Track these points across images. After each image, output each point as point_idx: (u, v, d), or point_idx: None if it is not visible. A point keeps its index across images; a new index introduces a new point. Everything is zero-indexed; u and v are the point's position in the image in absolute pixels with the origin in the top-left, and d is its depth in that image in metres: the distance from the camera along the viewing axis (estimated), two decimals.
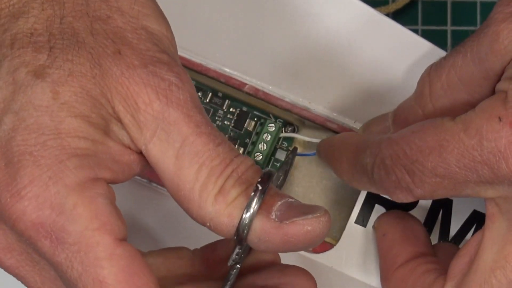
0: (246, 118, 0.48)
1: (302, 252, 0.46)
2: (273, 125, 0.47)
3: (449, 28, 0.60)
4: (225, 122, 0.48)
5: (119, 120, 0.36)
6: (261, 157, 0.47)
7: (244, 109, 0.48)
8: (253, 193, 0.36)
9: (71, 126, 0.35)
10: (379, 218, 0.46)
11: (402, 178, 0.39)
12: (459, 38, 0.60)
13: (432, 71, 0.41)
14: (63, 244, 0.34)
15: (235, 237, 0.36)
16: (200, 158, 0.36)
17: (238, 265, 0.39)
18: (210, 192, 0.36)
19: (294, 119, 0.48)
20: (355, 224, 0.47)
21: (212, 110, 0.48)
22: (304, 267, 0.47)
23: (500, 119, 0.36)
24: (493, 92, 0.38)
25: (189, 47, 0.47)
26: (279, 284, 0.40)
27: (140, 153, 0.36)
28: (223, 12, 0.47)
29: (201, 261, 0.41)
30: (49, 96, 0.35)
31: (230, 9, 0.48)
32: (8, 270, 0.37)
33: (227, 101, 0.48)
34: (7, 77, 0.35)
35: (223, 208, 0.36)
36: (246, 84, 0.47)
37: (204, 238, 0.46)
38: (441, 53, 0.47)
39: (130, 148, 0.36)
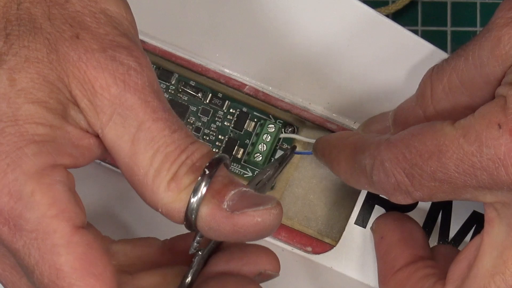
0: (246, 119, 0.48)
1: (302, 253, 0.46)
2: (273, 126, 0.47)
3: (449, 29, 0.60)
4: (225, 123, 0.48)
5: (76, 104, 0.36)
6: (261, 157, 0.47)
7: (244, 110, 0.48)
8: (200, 178, 0.36)
9: (28, 113, 0.35)
10: (376, 220, 0.46)
11: (401, 181, 0.39)
12: (459, 39, 0.60)
13: (434, 74, 0.41)
14: (20, 231, 0.34)
15: (184, 223, 0.36)
16: (156, 144, 0.36)
17: (200, 252, 0.39)
18: (163, 178, 0.36)
19: (294, 120, 0.48)
20: (355, 225, 0.47)
21: (212, 111, 0.48)
22: (303, 268, 0.47)
23: (499, 126, 0.36)
24: (494, 96, 0.38)
25: (189, 48, 0.47)
26: (242, 265, 0.40)
27: (98, 136, 0.37)
28: (223, 13, 0.47)
29: (170, 250, 0.42)
30: (5, 84, 0.35)
31: (230, 10, 0.48)
32: None
33: (227, 102, 0.48)
34: None
35: (175, 195, 0.36)
36: (246, 85, 0.47)
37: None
38: (441, 54, 0.47)
39: (88, 132, 0.36)
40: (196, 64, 0.47)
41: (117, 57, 0.36)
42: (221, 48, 0.47)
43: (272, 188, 0.48)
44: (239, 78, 0.47)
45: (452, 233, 0.47)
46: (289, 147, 0.48)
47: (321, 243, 0.47)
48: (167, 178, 0.36)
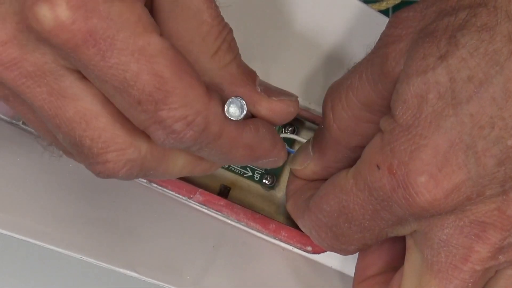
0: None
1: (302, 252, 0.47)
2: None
3: None
4: None
5: None
6: None
7: None
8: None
9: None
10: None
11: (332, 243, 0.40)
12: None
13: (334, 92, 0.41)
14: (112, 50, 0.33)
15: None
16: (203, 14, 0.37)
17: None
18: (209, 49, 0.37)
19: (293, 119, 0.48)
20: None
21: None
22: (304, 267, 0.47)
23: (378, 167, 0.36)
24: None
25: None
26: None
27: None
28: (224, 14, 0.47)
29: None
30: None
31: (230, 10, 0.47)
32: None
33: None
34: None
35: (217, 69, 0.37)
36: None
37: (202, 241, 0.46)
38: None
39: None
40: None
41: None
42: None
43: (273, 187, 0.48)
44: None
45: None
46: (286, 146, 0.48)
47: None
48: (211, 51, 0.37)
